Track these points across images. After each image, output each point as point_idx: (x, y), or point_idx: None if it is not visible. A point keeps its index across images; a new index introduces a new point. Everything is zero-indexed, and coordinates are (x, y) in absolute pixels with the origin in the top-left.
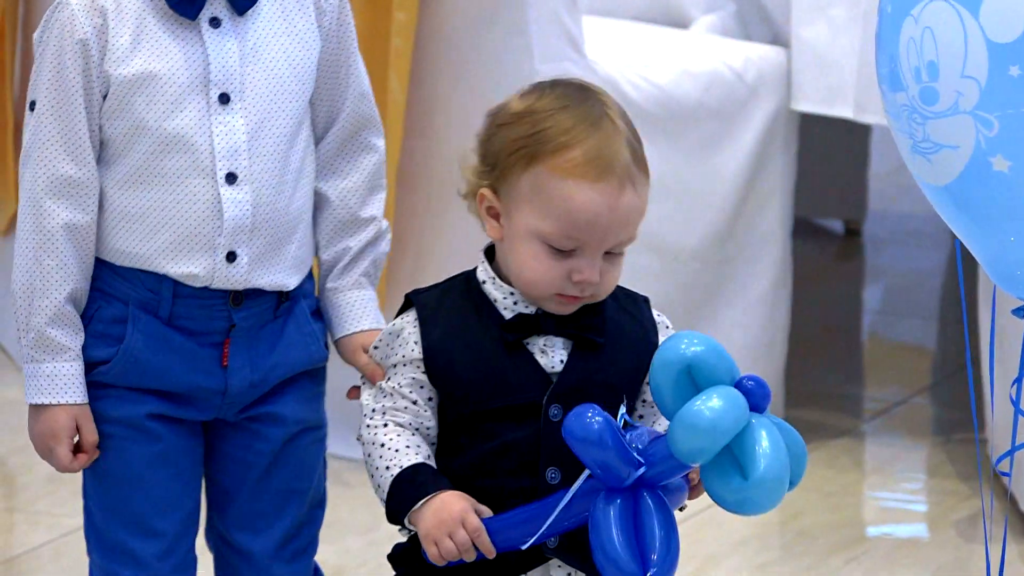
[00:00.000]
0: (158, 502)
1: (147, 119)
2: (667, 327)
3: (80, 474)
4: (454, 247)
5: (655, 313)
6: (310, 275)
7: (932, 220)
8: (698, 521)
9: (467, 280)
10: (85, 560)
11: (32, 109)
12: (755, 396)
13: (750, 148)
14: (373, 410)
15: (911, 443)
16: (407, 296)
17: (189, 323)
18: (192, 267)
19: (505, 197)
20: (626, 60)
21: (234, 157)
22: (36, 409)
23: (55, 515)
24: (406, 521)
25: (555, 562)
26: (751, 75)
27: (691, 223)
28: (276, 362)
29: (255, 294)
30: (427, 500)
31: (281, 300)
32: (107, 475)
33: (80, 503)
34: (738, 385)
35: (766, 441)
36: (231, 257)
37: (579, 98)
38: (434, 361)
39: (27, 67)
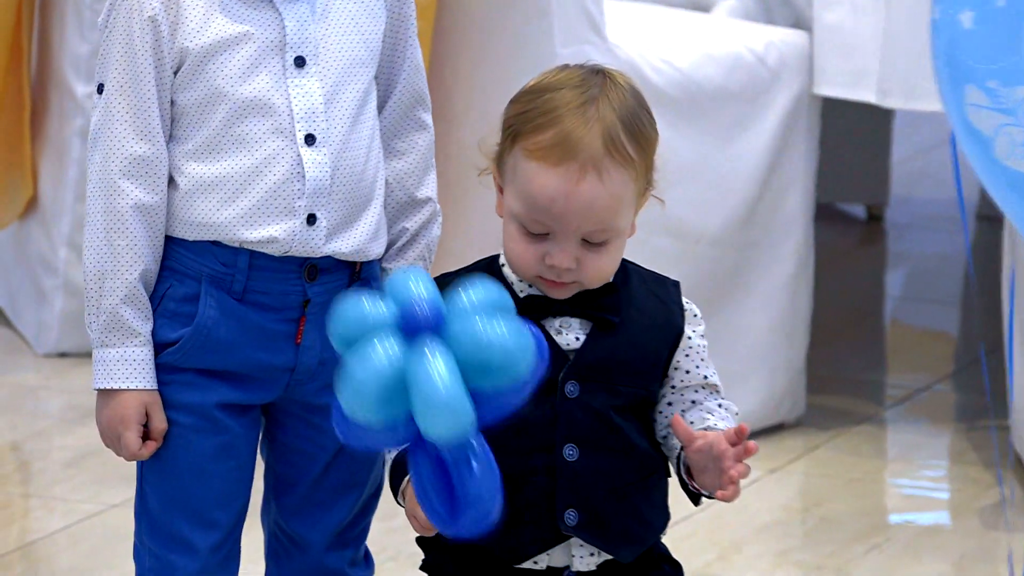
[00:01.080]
0: (219, 494)
1: (223, 85)
2: (695, 315)
3: (100, 460)
4: (474, 231)
5: (684, 300)
6: (377, 263)
7: (955, 205)
8: (720, 507)
9: (490, 263)
10: (102, 546)
11: (100, 92)
12: (414, 321)
13: (772, 132)
14: None
15: (934, 430)
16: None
17: (263, 298)
18: (272, 231)
19: (501, 174)
20: (648, 44)
21: (312, 119)
22: (105, 395)
23: (71, 501)
24: (401, 501)
25: (576, 540)
26: (773, 59)
27: (712, 207)
28: None
29: (329, 269)
30: (407, 481)
31: (353, 279)
32: (169, 465)
33: (97, 489)
34: (403, 316)
35: (418, 374)
36: (311, 220)
37: (579, 81)
38: None
39: (44, 51)
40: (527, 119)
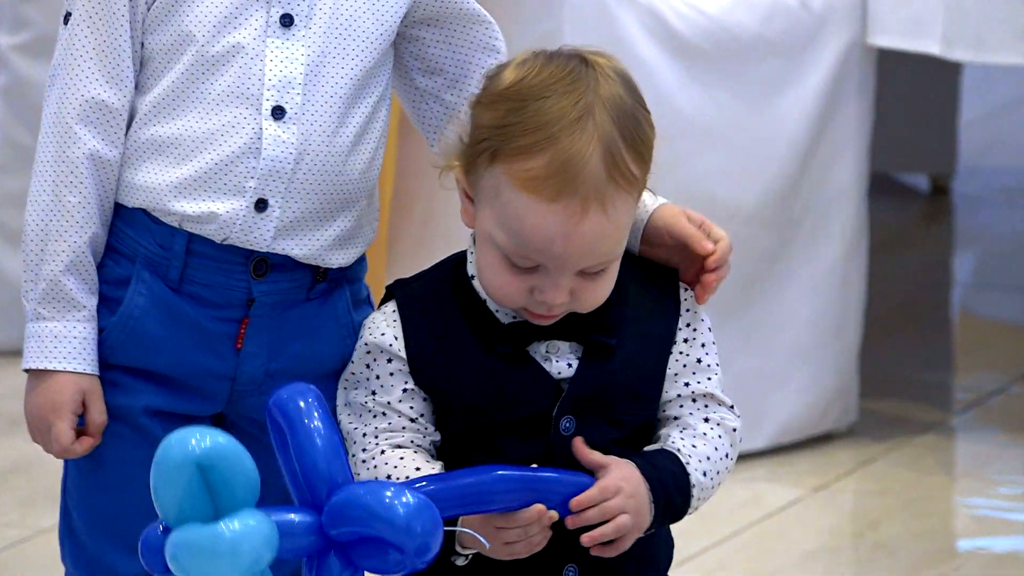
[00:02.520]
0: (149, 513)
1: (195, 31)
2: (688, 309)
3: (27, 477)
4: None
5: (681, 288)
6: (363, 259)
7: None
8: (757, 532)
9: (455, 271)
10: None
11: (67, 22)
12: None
13: (819, 90)
14: (364, 435)
15: (1009, 440)
16: (388, 288)
17: (202, 291)
18: (213, 207)
19: (473, 186)
20: None
21: (285, 89)
22: (36, 376)
23: None
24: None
25: None
26: (819, 3)
27: (749, 179)
28: (300, 352)
29: (284, 267)
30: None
31: (317, 280)
32: (94, 477)
33: (23, 512)
34: None
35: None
36: (261, 206)
37: (567, 83)
38: (420, 369)
39: None
40: (510, 135)
